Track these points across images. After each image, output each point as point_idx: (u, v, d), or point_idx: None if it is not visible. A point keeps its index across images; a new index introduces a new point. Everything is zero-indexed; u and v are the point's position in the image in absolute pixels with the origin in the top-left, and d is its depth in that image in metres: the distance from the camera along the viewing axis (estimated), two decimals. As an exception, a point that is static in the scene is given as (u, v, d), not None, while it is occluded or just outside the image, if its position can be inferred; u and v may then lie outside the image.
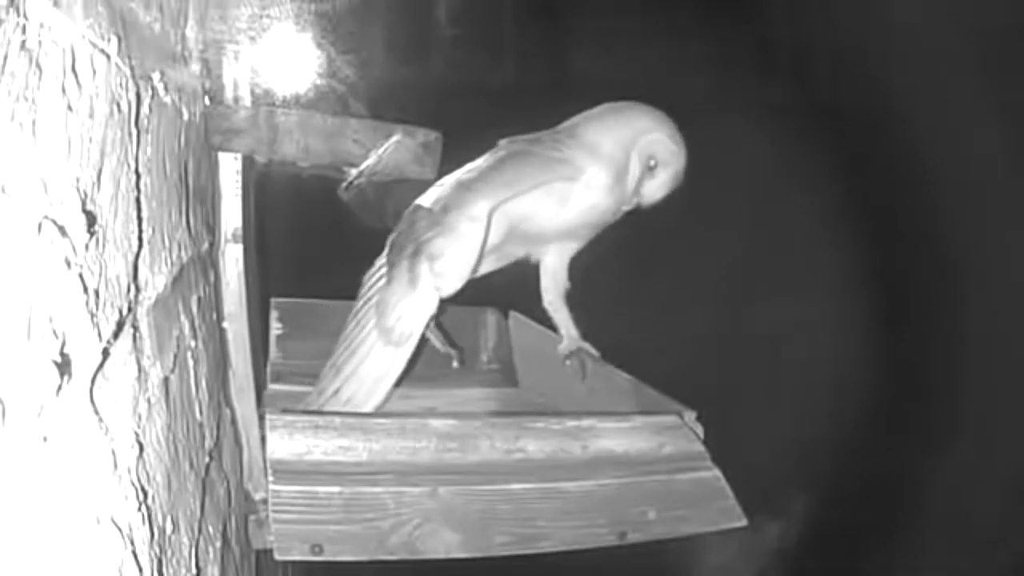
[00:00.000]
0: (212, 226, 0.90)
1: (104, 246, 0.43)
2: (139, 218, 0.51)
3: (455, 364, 0.89)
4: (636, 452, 0.68)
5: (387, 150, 0.97)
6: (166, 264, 0.61)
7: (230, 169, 0.95)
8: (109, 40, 0.44)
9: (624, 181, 0.81)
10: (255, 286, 1.01)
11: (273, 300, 1.05)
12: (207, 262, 0.86)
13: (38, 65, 0.33)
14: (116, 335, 0.43)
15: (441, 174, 0.97)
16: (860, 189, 1.87)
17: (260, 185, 1.05)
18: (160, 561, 0.49)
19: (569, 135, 0.82)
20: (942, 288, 1.84)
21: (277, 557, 0.57)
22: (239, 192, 0.96)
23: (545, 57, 1.73)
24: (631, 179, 0.81)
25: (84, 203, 0.39)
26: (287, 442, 0.60)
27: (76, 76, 0.38)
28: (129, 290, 0.47)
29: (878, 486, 1.87)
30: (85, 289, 0.38)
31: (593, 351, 0.89)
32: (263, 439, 0.71)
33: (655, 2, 1.77)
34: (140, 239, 0.52)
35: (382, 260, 0.83)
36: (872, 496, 1.88)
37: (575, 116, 0.85)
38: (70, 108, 0.37)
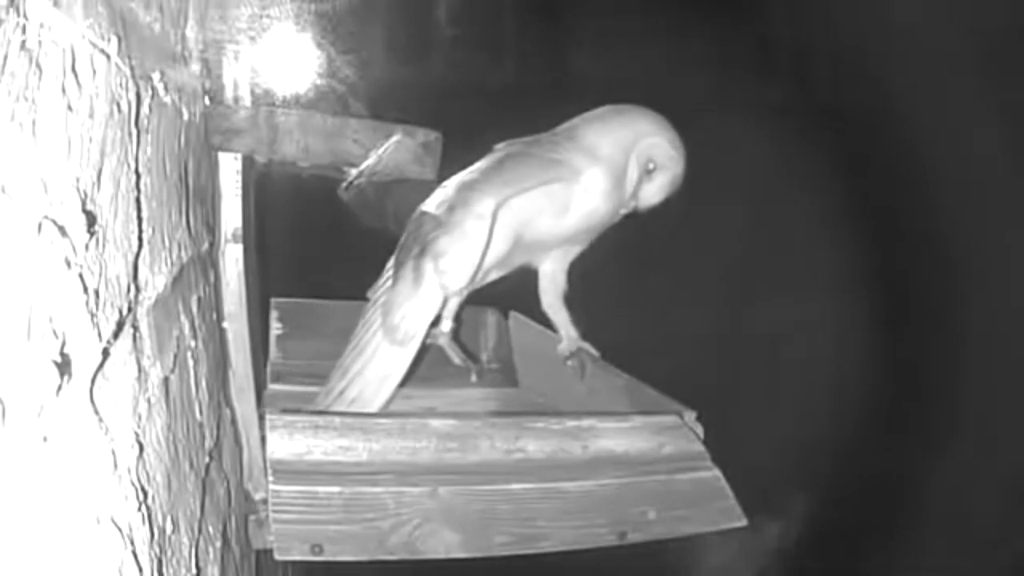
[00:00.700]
0: (212, 226, 0.90)
1: (104, 246, 0.43)
2: (139, 218, 0.51)
3: (473, 378, 0.90)
4: (636, 452, 0.68)
5: (387, 150, 0.97)
6: (166, 264, 0.61)
7: (230, 169, 0.95)
8: (109, 40, 0.44)
9: (623, 184, 0.81)
10: (255, 286, 1.01)
11: (273, 300, 1.05)
12: (207, 262, 0.86)
13: (38, 65, 0.33)
14: (116, 335, 0.43)
15: (441, 174, 0.97)
16: (860, 189, 1.87)
17: (260, 185, 1.05)
18: (160, 561, 0.49)
19: (568, 137, 0.82)
20: (942, 288, 1.84)
21: (277, 557, 0.57)
22: (239, 192, 0.96)
23: (545, 57, 1.73)
24: (629, 182, 0.81)
25: (84, 203, 0.39)
26: (287, 442, 0.60)
27: (76, 76, 0.38)
28: (129, 290, 0.47)
29: (878, 486, 1.87)
30: (85, 289, 0.38)
31: (593, 351, 0.89)
32: (263, 439, 0.71)
33: (655, 2, 1.77)
34: (140, 239, 0.52)
35: (391, 263, 0.83)
36: (872, 496, 1.88)
37: (574, 118, 0.85)
38: (70, 108, 0.37)
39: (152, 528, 0.47)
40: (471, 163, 0.83)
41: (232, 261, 0.96)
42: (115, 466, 0.41)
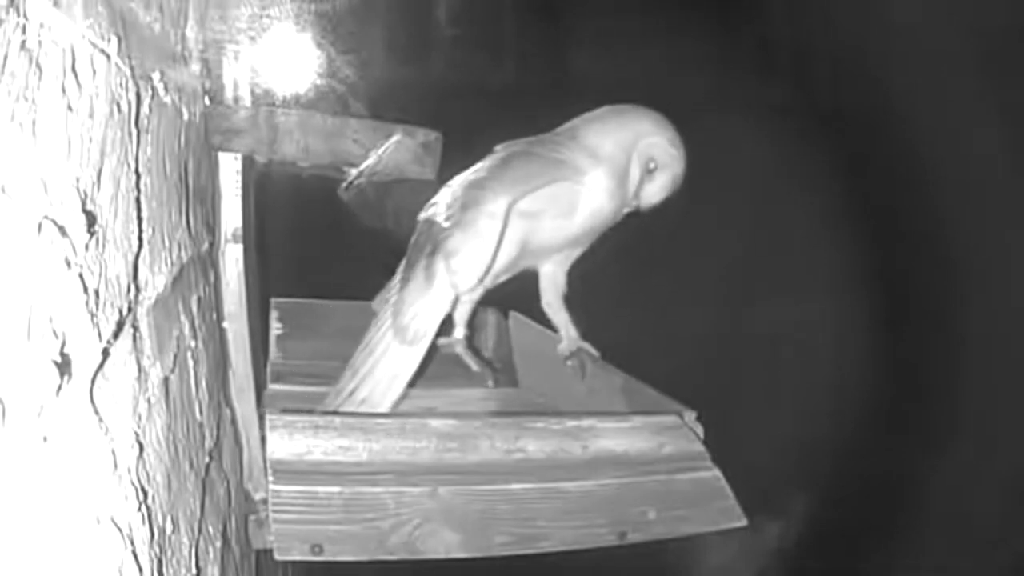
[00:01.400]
0: (212, 226, 0.90)
1: (104, 246, 0.43)
2: (139, 218, 0.51)
3: (490, 384, 0.90)
4: (636, 452, 0.68)
5: (387, 150, 0.98)
6: (166, 264, 0.61)
7: (230, 169, 0.95)
8: (109, 40, 0.44)
9: (625, 184, 0.81)
10: (255, 286, 1.01)
11: (273, 300, 1.05)
12: (207, 262, 0.86)
13: (38, 65, 0.33)
14: (116, 335, 0.43)
15: (441, 174, 0.97)
16: (860, 189, 1.87)
17: (260, 185, 1.05)
18: (160, 561, 0.49)
19: (570, 137, 0.82)
20: (942, 288, 1.84)
21: (277, 557, 0.57)
22: (239, 192, 0.96)
23: (545, 57, 1.73)
24: (631, 182, 0.81)
25: (84, 203, 0.39)
26: (287, 442, 0.60)
27: (76, 76, 0.38)
28: (129, 290, 0.47)
29: (878, 486, 1.87)
30: (85, 289, 0.38)
31: (593, 351, 0.89)
32: (263, 439, 0.71)
33: (655, 2, 1.77)
34: (140, 239, 0.52)
35: (403, 264, 0.83)
36: (872, 496, 1.88)
37: (575, 119, 0.85)
38: (70, 108, 0.37)
39: (152, 528, 0.47)
40: (471, 163, 0.83)
41: (232, 261, 0.96)
42: (115, 466, 0.41)
